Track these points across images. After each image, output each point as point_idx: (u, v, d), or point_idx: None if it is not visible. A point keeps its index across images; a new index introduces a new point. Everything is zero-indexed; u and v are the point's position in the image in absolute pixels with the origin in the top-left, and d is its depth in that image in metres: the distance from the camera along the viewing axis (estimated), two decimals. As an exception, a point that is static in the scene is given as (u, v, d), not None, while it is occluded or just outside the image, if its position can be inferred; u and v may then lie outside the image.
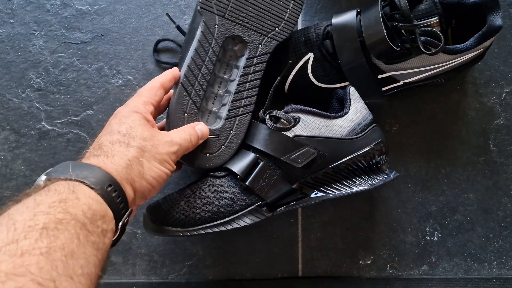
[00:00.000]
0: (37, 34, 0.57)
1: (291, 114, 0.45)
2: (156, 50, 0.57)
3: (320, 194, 0.46)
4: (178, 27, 0.55)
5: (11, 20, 0.57)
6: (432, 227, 0.55)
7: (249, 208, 0.43)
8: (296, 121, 0.44)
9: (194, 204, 0.43)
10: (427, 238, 0.55)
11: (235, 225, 0.43)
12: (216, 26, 0.46)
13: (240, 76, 0.46)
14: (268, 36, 0.48)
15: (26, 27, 0.57)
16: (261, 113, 0.46)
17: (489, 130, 0.57)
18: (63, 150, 0.55)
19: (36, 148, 0.55)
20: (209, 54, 0.45)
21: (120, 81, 0.56)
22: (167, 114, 0.46)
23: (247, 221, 0.43)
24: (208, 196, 0.43)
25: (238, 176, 0.44)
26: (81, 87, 0.56)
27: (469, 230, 0.55)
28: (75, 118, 0.56)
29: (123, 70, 0.57)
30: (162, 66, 0.57)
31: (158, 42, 0.56)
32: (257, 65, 0.47)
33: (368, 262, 0.54)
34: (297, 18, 0.50)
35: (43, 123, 0.55)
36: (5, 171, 0.55)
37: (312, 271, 0.54)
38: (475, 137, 0.56)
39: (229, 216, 0.43)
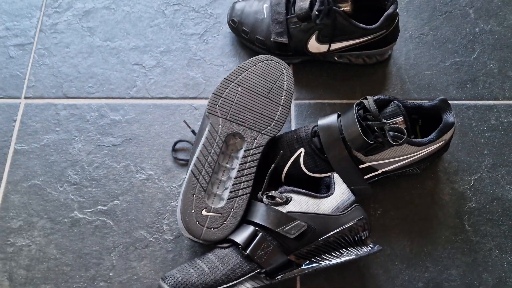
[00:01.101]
0: (77, 139, 0.69)
1: (284, 194, 0.54)
2: (174, 150, 0.68)
3: (313, 264, 0.53)
4: (193, 131, 0.67)
5: (57, 129, 0.70)
6: (421, 303, 0.60)
7: (250, 274, 0.50)
8: (289, 199, 0.53)
9: (203, 271, 0.50)
10: (418, 313, 0.59)
11: None
12: (220, 125, 0.58)
13: (239, 165, 0.56)
14: (262, 132, 0.59)
15: (69, 134, 0.69)
16: (259, 194, 0.55)
17: (463, 212, 0.64)
18: (90, 235, 0.64)
19: (68, 234, 0.64)
20: (214, 147, 0.57)
21: (143, 176, 0.67)
22: (179, 196, 0.55)
23: (248, 286, 0.50)
24: (214, 263, 0.51)
25: (240, 246, 0.51)
26: (110, 181, 0.67)
27: (456, 305, 0.60)
28: (103, 208, 0.65)
29: (146, 166, 0.68)
30: (179, 162, 0.68)
31: (176, 143, 0.68)
32: (253, 156, 0.57)
33: (364, 337, 0.58)
34: (285, 118, 0.62)
35: (76, 212, 0.65)
36: (38, 254, 0.62)
37: None
38: (451, 218, 0.64)
39: (232, 281, 0.50)
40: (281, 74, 0.63)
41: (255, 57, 0.63)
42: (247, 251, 0.51)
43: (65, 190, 0.66)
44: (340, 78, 0.74)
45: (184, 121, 0.68)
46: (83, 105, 0.71)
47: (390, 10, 0.65)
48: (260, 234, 0.52)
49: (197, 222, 0.53)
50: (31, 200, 0.65)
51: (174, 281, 0.50)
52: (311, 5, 0.66)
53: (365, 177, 0.63)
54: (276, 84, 0.62)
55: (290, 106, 0.62)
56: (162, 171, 0.67)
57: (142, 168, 0.68)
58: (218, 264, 0.51)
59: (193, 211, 0.53)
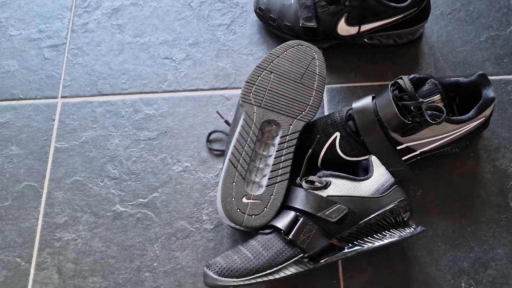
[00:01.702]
0: (114, 134, 0.71)
1: (323, 178, 0.54)
2: (209, 140, 0.69)
3: (355, 247, 0.52)
4: (226, 121, 0.68)
5: (94, 125, 0.72)
6: (467, 283, 0.59)
7: (293, 259, 0.50)
8: (328, 183, 0.53)
9: (247, 257, 0.51)
10: (464, 293, 0.58)
11: (282, 274, 0.50)
12: (255, 113, 0.58)
13: (276, 151, 0.57)
14: (297, 118, 0.59)
15: (106, 130, 0.71)
16: (298, 180, 0.55)
17: (506, 190, 0.63)
18: (133, 227, 0.65)
19: (111, 227, 0.65)
20: (250, 135, 0.57)
21: (180, 168, 0.68)
22: (218, 185, 0.56)
23: (292, 270, 0.50)
24: (258, 249, 0.51)
25: (282, 232, 0.52)
26: (148, 175, 0.68)
27: (503, 284, 0.58)
28: (143, 200, 0.66)
29: (182, 158, 0.68)
30: (214, 153, 0.68)
31: (210, 133, 0.69)
32: (290, 142, 0.57)
33: (410, 319, 0.58)
34: (320, 103, 0.61)
35: (117, 205, 0.66)
36: (85, 248, 0.64)
37: (358, 330, 0.58)
38: (494, 197, 0.62)
39: (276, 266, 0.50)
40: (312, 59, 0.62)
41: (286, 43, 0.63)
42: (290, 236, 0.51)
43: (106, 185, 0.68)
44: (371, 60, 0.73)
45: (217, 112, 0.68)
46: (117, 101, 0.73)
47: (421, -13, 0.64)
48: (301, 219, 0.52)
49: (238, 210, 0.54)
50: (74, 195, 0.67)
51: (219, 268, 0.51)
52: (340, -13, 0.65)
53: (403, 158, 0.62)
54: (308, 69, 0.62)
55: (323, 91, 0.62)
56: (198, 162, 0.68)
57: (178, 160, 0.68)
58: (262, 250, 0.51)
59: (233, 199, 0.54)
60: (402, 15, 0.66)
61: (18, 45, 0.78)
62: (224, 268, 0.50)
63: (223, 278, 0.50)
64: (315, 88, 0.61)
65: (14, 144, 0.71)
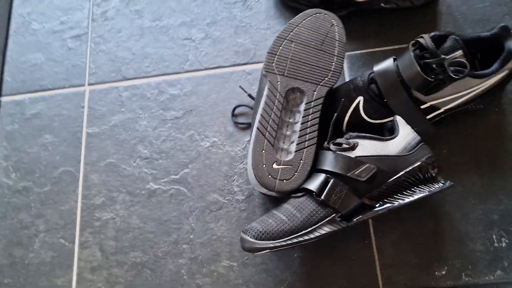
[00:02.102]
0: (141, 116, 0.73)
1: (350, 140, 0.55)
2: (234, 115, 0.70)
3: (386, 205, 0.54)
4: (250, 95, 0.69)
5: (122, 109, 0.74)
6: (498, 234, 0.60)
7: (327, 219, 0.52)
8: (356, 145, 0.54)
9: (282, 220, 0.52)
10: (496, 244, 0.59)
11: (317, 234, 0.51)
12: (279, 82, 0.59)
13: (302, 118, 0.58)
14: (320, 84, 0.60)
15: (134, 113, 0.73)
16: (325, 143, 0.57)
17: (534, 141, 0.63)
18: (167, 203, 0.67)
19: (147, 204, 0.68)
20: (275, 104, 0.58)
21: (208, 143, 0.70)
22: (248, 153, 0.57)
23: (326, 229, 0.52)
24: (291, 212, 0.53)
25: (314, 193, 0.53)
26: (178, 152, 0.70)
27: (536, 234, 0.59)
28: (175, 177, 0.69)
29: (209, 134, 0.70)
30: (240, 127, 0.70)
31: (235, 108, 0.70)
32: (315, 107, 0.59)
33: (444, 273, 0.59)
34: (341, 68, 0.62)
35: (151, 183, 0.69)
36: (123, 225, 0.67)
37: (392, 286, 0.59)
38: (522, 149, 0.63)
39: (310, 227, 0.52)
40: (331, 25, 0.63)
41: (304, 12, 0.64)
42: (322, 197, 0.53)
43: (138, 165, 0.70)
44: (389, 24, 0.73)
45: (240, 86, 0.70)
46: (142, 85, 0.75)
47: None
48: (332, 180, 0.53)
49: (270, 176, 0.55)
50: (109, 177, 0.70)
51: (256, 232, 0.52)
52: (353, -48, 0.65)
53: (428, 117, 0.62)
54: (328, 35, 0.62)
55: (344, 56, 0.62)
56: (225, 136, 0.70)
57: (206, 136, 0.70)
58: (295, 212, 0.53)
59: (264, 165, 0.55)
60: (418, -25, 0.66)
61: (42, 38, 0.80)
62: (260, 232, 0.52)
63: (260, 241, 0.52)
64: (336, 54, 0.62)
65: (47, 132, 0.74)
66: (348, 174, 0.53)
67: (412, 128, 0.60)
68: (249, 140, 0.68)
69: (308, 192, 0.55)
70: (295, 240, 0.51)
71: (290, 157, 0.57)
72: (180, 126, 0.71)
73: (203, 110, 0.72)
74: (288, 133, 0.59)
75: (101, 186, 0.70)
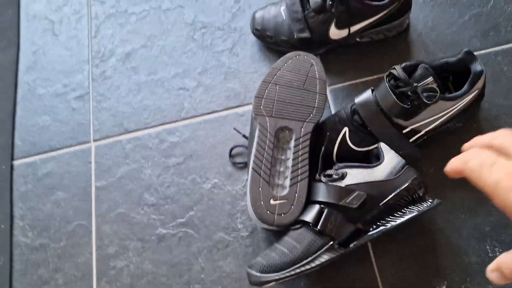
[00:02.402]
0: (145, 166, 0.78)
1: (339, 170, 0.59)
2: (231, 156, 0.75)
3: (379, 228, 0.57)
4: (244, 136, 0.74)
5: (127, 161, 0.79)
6: (492, 245, 0.63)
7: (325, 247, 0.56)
8: (345, 174, 0.59)
9: (283, 252, 0.56)
10: (490, 255, 0.62)
11: (317, 262, 0.55)
12: (268, 123, 0.65)
13: (293, 154, 0.63)
14: (306, 121, 0.65)
15: (138, 163, 0.78)
16: (317, 175, 0.61)
17: (513, 152, 0.67)
18: (177, 246, 0.71)
19: (157, 249, 0.72)
20: (267, 144, 0.63)
21: (210, 185, 0.74)
22: (247, 193, 0.62)
23: (325, 257, 0.55)
24: (292, 244, 0.57)
25: (310, 224, 0.57)
26: (182, 196, 0.74)
27: (526, 240, 0.62)
28: (182, 220, 0.73)
29: (210, 176, 0.75)
30: (237, 166, 0.74)
31: (231, 149, 0.75)
32: (303, 143, 0.63)
33: (444, 287, 0.62)
34: (324, 104, 0.67)
35: (160, 229, 0.73)
36: (137, 272, 0.71)
37: (397, 304, 0.62)
38: (503, 160, 0.66)
39: (311, 256, 0.55)
40: (311, 65, 0.69)
41: (285, 56, 0.69)
42: (318, 227, 0.57)
43: (146, 212, 0.74)
44: (366, 56, 0.78)
45: (235, 128, 0.75)
46: (143, 136, 0.80)
47: (398, -17, 0.70)
48: (326, 210, 0.57)
49: (268, 211, 0.59)
50: (120, 226, 0.74)
51: (261, 266, 0.56)
52: (324, -3, 0.71)
53: (411, 140, 0.67)
54: (308, 75, 0.68)
55: (325, 92, 0.67)
56: (225, 177, 0.74)
57: (207, 178, 0.75)
58: (295, 244, 0.57)
59: (262, 202, 0.60)
60: (386, 11, 0.72)
61: (47, 102, 0.86)
62: (264, 265, 0.56)
63: (266, 275, 0.55)
64: (318, 91, 0.67)
65: (59, 189, 0.79)
66: (340, 203, 0.57)
67: (398, 152, 0.65)
68: (247, 178, 0.72)
69: (305, 224, 0.59)
70: (298, 270, 0.55)
71: (286, 192, 0.61)
72: (182, 171, 0.76)
73: (202, 154, 0.77)
74: (281, 169, 0.63)
75: (113, 235, 0.74)
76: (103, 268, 0.72)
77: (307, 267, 0.55)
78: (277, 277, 0.55)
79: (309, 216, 0.58)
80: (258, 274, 0.56)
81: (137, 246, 0.73)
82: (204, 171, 0.76)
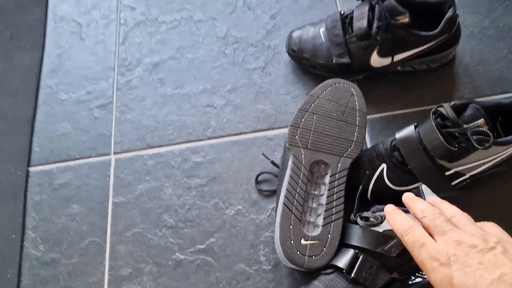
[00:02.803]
0: (166, 185, 0.74)
1: (377, 213, 0.55)
2: (257, 182, 0.71)
3: (418, 279, 0.53)
4: (273, 162, 0.70)
5: (147, 178, 0.75)
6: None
7: None
8: (383, 218, 0.54)
9: None
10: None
11: None
12: (303, 156, 0.60)
13: (328, 190, 0.58)
14: (344, 156, 0.61)
15: (159, 181, 0.75)
16: (352, 216, 0.57)
17: None
18: (194, 274, 0.67)
19: (174, 276, 0.68)
20: (301, 177, 0.59)
21: (233, 211, 0.70)
22: (275, 229, 0.58)
23: None
24: None
25: (344, 270, 0.53)
26: (203, 221, 0.71)
27: None
28: (201, 246, 0.69)
29: (233, 202, 0.71)
30: (263, 194, 0.71)
31: (258, 175, 0.71)
32: (339, 179, 0.59)
33: None
34: (363, 138, 0.63)
35: (177, 253, 0.69)
36: (151, 297, 0.67)
37: None
38: (551, 212, 0.62)
39: None
40: (351, 95, 0.64)
41: (323, 83, 0.65)
42: (352, 275, 0.52)
43: (164, 234, 0.71)
44: (407, 87, 0.74)
45: (263, 154, 0.71)
46: (166, 152, 0.76)
47: (449, 14, 0.65)
48: (361, 257, 0.53)
49: (298, 252, 0.55)
50: (136, 247, 0.71)
51: None
52: (369, 22, 0.67)
53: (453, 183, 0.62)
54: (348, 105, 0.64)
55: (366, 126, 0.63)
56: (250, 204, 0.70)
57: (230, 204, 0.71)
58: None
59: (292, 241, 0.56)
60: (433, 42, 0.67)
61: (69, 108, 0.83)
62: None
63: None
64: (357, 124, 0.63)
65: (75, 202, 0.75)
66: (377, 250, 0.53)
67: (438, 194, 0.60)
68: (274, 208, 0.68)
69: (338, 269, 0.54)
70: None
71: (318, 231, 0.57)
72: (204, 194, 0.72)
73: (226, 178, 0.73)
74: (314, 205, 0.59)
75: (127, 257, 0.70)
76: (115, 291, 0.68)
77: None
78: None
79: (342, 262, 0.54)
80: None
81: (153, 271, 0.69)
82: (228, 196, 0.72)
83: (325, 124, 0.62)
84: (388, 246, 0.53)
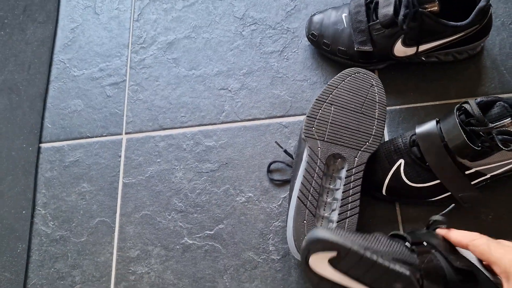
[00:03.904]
0: (177, 168, 0.73)
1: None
2: (269, 171, 0.70)
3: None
4: (285, 151, 0.68)
5: (158, 160, 0.74)
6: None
7: None
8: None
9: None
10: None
11: None
12: (319, 148, 0.58)
13: (344, 185, 0.56)
14: (361, 150, 0.59)
15: (169, 164, 0.74)
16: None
17: None
18: (202, 259, 0.67)
19: (181, 260, 0.68)
20: (316, 171, 0.57)
21: (243, 198, 0.69)
22: (288, 223, 0.56)
23: None
24: None
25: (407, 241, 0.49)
26: (213, 206, 0.70)
27: None
28: (210, 232, 0.68)
29: (244, 189, 0.70)
30: (275, 183, 0.69)
31: (270, 164, 0.70)
32: (356, 174, 0.57)
33: None
34: (382, 132, 0.61)
35: (186, 238, 0.69)
36: (158, 281, 0.67)
37: None
38: None
39: None
40: (371, 86, 0.62)
41: (342, 72, 0.63)
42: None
43: (173, 218, 0.70)
44: (430, 78, 0.71)
45: (276, 142, 0.69)
46: (178, 135, 0.75)
47: (482, 3, 0.62)
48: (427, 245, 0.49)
49: (311, 247, 0.54)
50: (144, 230, 0.70)
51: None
52: (395, 9, 0.64)
53: (473, 182, 0.60)
54: (368, 97, 0.61)
55: (385, 119, 0.61)
56: (261, 192, 0.69)
57: (241, 190, 0.70)
58: None
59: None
60: (463, 33, 0.64)
61: (81, 85, 0.82)
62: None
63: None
64: (376, 117, 0.60)
65: (85, 181, 0.75)
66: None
67: (457, 193, 0.58)
68: (285, 197, 0.67)
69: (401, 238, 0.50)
70: None
71: (332, 227, 0.55)
72: (215, 180, 0.71)
73: (238, 164, 0.72)
74: (328, 200, 0.58)
75: (136, 238, 0.70)
76: (123, 272, 0.68)
77: None
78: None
79: (409, 236, 0.49)
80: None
81: (160, 254, 0.68)
82: (239, 182, 0.70)
83: (343, 116, 0.60)
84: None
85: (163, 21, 0.83)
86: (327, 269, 0.45)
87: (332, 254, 0.44)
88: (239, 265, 0.66)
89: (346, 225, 0.55)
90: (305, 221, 0.54)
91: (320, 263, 0.45)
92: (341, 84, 0.61)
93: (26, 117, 0.81)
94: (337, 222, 0.55)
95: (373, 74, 0.63)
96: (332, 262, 0.44)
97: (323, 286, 0.46)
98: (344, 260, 0.44)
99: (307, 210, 0.55)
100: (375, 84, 0.62)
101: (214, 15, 0.82)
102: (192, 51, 0.81)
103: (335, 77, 0.62)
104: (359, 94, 0.61)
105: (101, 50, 0.84)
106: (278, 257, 0.65)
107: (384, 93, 0.62)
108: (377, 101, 0.61)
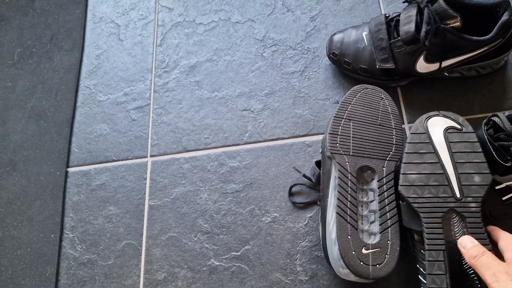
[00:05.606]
0: (202, 189, 0.73)
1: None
2: (291, 194, 0.70)
3: None
4: (304, 175, 0.68)
5: (183, 181, 0.75)
6: None
7: None
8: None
9: None
10: None
11: None
12: (347, 162, 0.58)
13: (378, 196, 0.57)
14: (387, 159, 0.59)
15: (194, 185, 0.74)
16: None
17: None
18: (229, 281, 0.67)
19: (208, 282, 0.67)
20: (349, 185, 0.57)
21: (269, 219, 0.69)
22: (328, 242, 0.56)
23: None
24: None
25: None
26: (239, 227, 0.70)
27: None
28: (236, 253, 0.68)
29: (270, 209, 0.70)
30: (297, 206, 0.69)
31: (291, 187, 0.69)
32: (388, 184, 0.57)
33: None
34: (403, 141, 0.61)
35: (212, 260, 0.69)
36: (185, 303, 0.67)
37: None
38: None
39: None
40: (381, 99, 0.64)
41: (351, 89, 0.65)
42: None
43: (199, 240, 0.70)
44: (453, 94, 0.70)
45: (294, 167, 0.69)
46: (202, 156, 0.76)
47: (504, 17, 0.61)
48: None
49: (362, 263, 0.53)
50: (171, 252, 0.70)
51: None
52: (417, 26, 0.64)
53: (504, 198, 0.59)
54: (381, 109, 0.63)
55: (402, 128, 0.62)
56: (286, 212, 0.69)
57: (266, 211, 0.70)
58: None
59: (354, 252, 0.54)
60: (486, 48, 0.64)
61: (107, 110, 0.84)
62: None
63: None
64: (393, 127, 0.62)
65: (112, 204, 0.76)
66: None
67: (486, 209, 0.57)
68: (312, 217, 0.67)
69: None
70: None
71: (377, 239, 0.55)
72: (240, 200, 0.71)
73: (263, 184, 0.72)
74: (364, 213, 0.58)
75: (163, 261, 0.70)
76: (150, 295, 0.68)
77: None
78: None
79: None
80: None
81: (187, 276, 0.68)
82: (264, 202, 0.70)
83: (362, 129, 0.60)
84: None
85: (185, 45, 0.85)
86: None
87: None
88: (266, 286, 0.65)
89: (389, 235, 0.55)
90: (349, 236, 0.54)
91: None
92: (354, 100, 0.62)
93: (54, 142, 0.83)
94: (380, 233, 0.55)
95: (380, 88, 0.65)
96: None
97: None
98: None
99: (348, 225, 0.55)
100: (384, 97, 0.64)
101: (235, 37, 0.84)
102: (214, 73, 0.82)
103: (346, 95, 0.63)
104: (373, 107, 0.62)
105: (125, 75, 0.86)
106: (306, 278, 0.64)
107: (394, 104, 0.64)
108: (390, 112, 0.63)
